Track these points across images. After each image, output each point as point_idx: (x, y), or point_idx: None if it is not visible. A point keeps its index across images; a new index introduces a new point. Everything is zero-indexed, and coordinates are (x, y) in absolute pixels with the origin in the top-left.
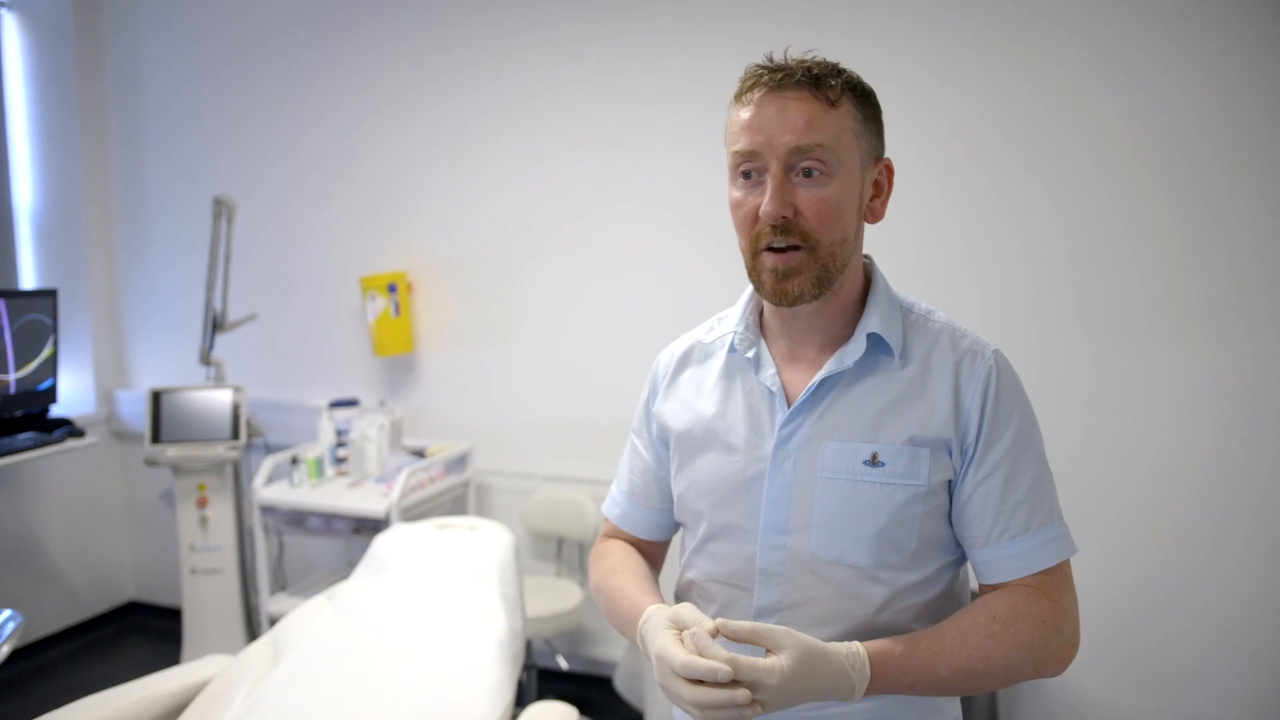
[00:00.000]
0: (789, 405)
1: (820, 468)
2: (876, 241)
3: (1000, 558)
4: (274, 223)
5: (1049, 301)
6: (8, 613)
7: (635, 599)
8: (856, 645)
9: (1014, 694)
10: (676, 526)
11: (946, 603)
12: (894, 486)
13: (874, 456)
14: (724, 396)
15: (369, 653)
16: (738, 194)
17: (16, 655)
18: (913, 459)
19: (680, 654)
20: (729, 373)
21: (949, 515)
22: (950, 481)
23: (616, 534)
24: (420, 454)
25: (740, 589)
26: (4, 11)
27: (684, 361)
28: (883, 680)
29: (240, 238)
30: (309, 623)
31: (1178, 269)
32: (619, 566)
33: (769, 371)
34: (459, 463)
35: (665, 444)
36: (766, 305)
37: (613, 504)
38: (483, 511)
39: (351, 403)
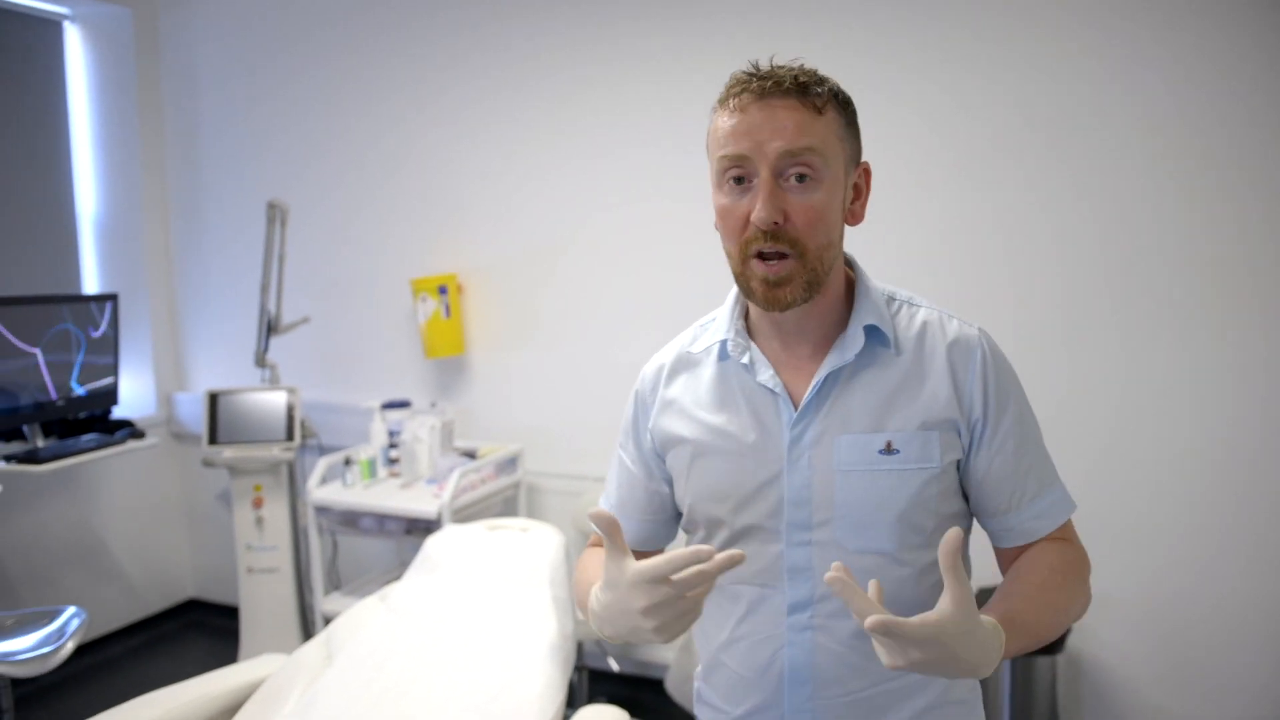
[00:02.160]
0: (794, 405)
1: (837, 461)
2: (906, 240)
3: (1022, 521)
4: (327, 226)
5: (1078, 299)
6: (72, 609)
7: (591, 581)
8: (988, 617)
9: (1075, 701)
10: (666, 538)
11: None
12: (910, 471)
13: (888, 445)
14: (724, 403)
15: (421, 653)
16: (725, 200)
17: (80, 651)
18: (924, 443)
19: (658, 559)
20: (724, 379)
21: (959, 491)
22: (958, 461)
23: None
24: (471, 455)
25: (768, 587)
26: (67, 24)
27: (673, 373)
28: (1008, 649)
29: (293, 241)
30: (362, 623)
31: (1202, 263)
32: (587, 564)
33: (768, 373)
34: (510, 464)
35: (661, 457)
36: (754, 310)
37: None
38: (533, 513)
39: (403, 404)
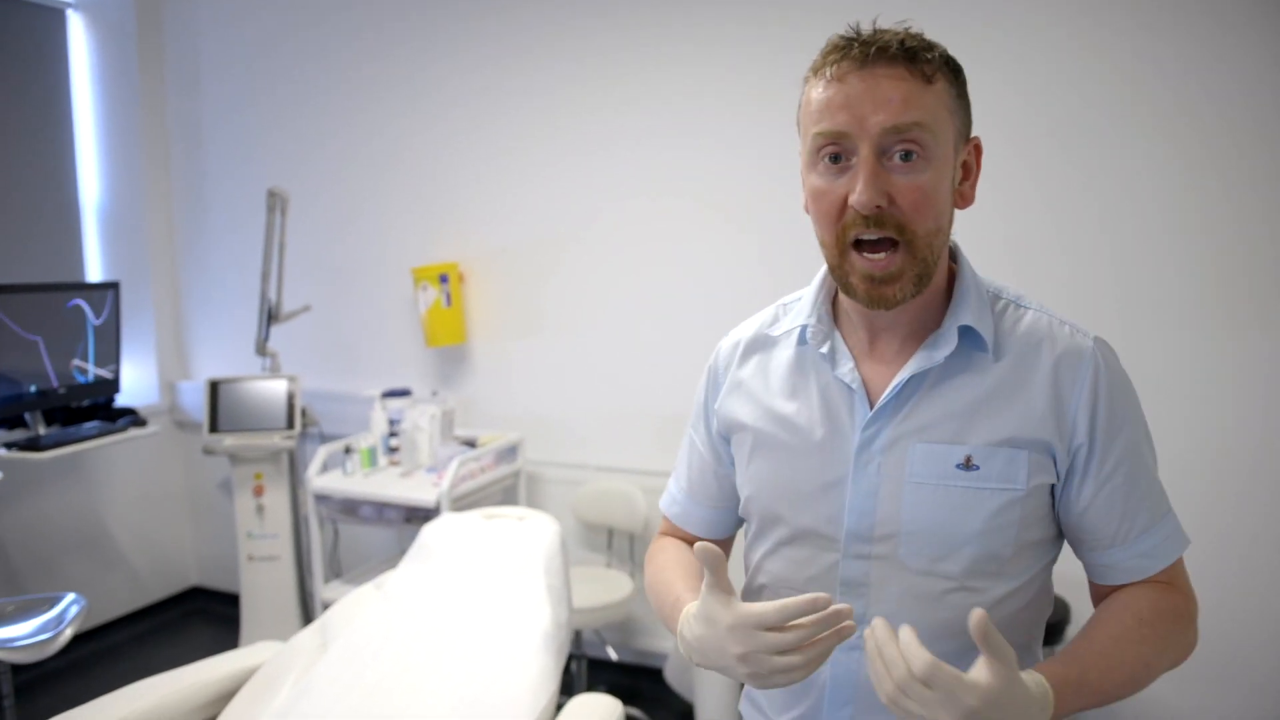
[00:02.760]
0: (870, 404)
1: (909, 472)
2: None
3: (1126, 558)
4: (329, 215)
5: (1082, 291)
6: (71, 596)
7: (679, 595)
8: (1039, 677)
9: None
10: (738, 525)
11: (1036, 612)
12: (989, 491)
13: (967, 459)
14: (796, 392)
15: (415, 641)
16: (820, 181)
17: (83, 638)
18: (1009, 461)
19: (768, 606)
20: (800, 366)
21: (1048, 518)
22: (1052, 486)
23: (674, 532)
24: (472, 444)
25: None
26: (70, 12)
27: (748, 352)
28: (1059, 710)
29: (295, 230)
30: (357, 610)
31: (1208, 260)
32: (670, 563)
33: (847, 366)
34: (510, 453)
35: (726, 440)
36: (844, 297)
37: (671, 501)
38: (533, 502)
39: (404, 393)
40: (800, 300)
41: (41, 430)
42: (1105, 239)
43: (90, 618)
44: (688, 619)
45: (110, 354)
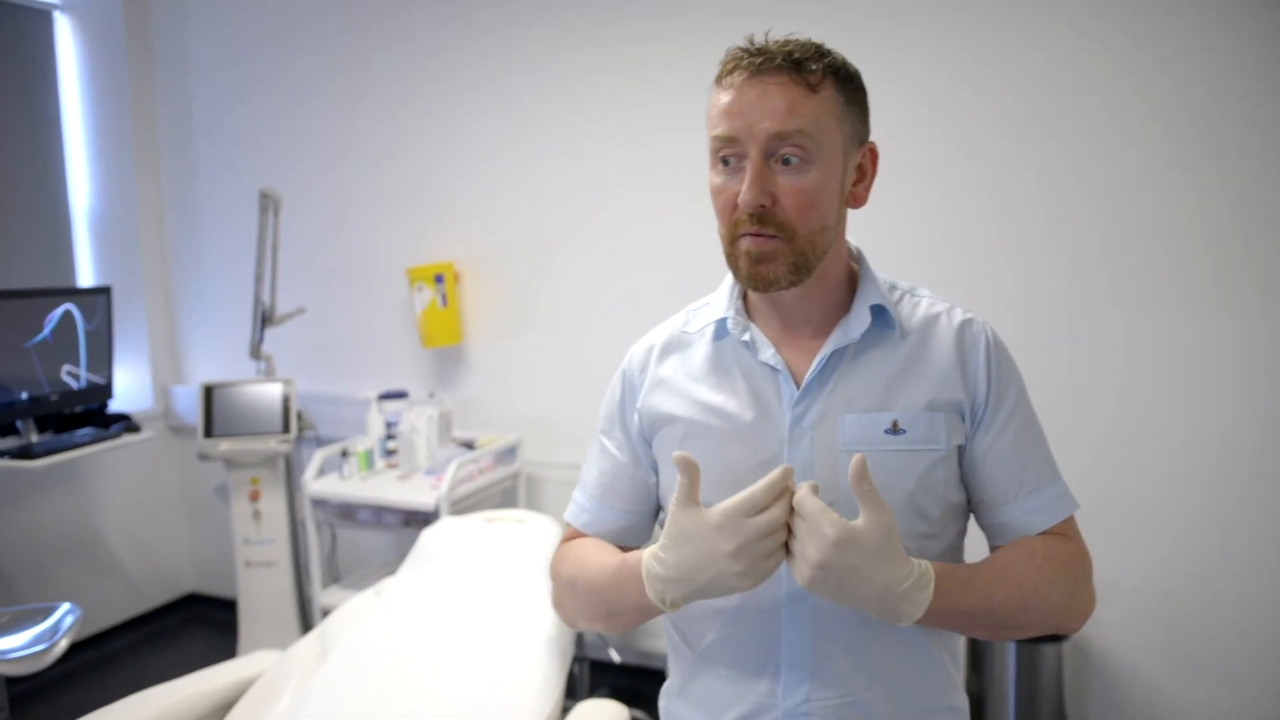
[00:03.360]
0: (796, 383)
1: (841, 441)
2: (902, 227)
3: (1019, 514)
4: (322, 216)
5: (1079, 286)
6: (66, 606)
7: (623, 558)
8: (924, 562)
9: (1082, 690)
10: (647, 533)
11: None
12: (916, 453)
13: (894, 424)
14: (721, 383)
15: (416, 648)
16: (717, 180)
17: (80, 646)
18: (931, 424)
19: (744, 493)
20: (719, 360)
21: (961, 481)
22: (961, 446)
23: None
24: (470, 445)
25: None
26: (57, 13)
27: (665, 353)
28: (944, 599)
29: (288, 232)
30: (356, 617)
31: (1204, 247)
32: (591, 548)
33: (769, 351)
34: (508, 454)
35: (648, 441)
36: (751, 292)
37: (579, 510)
38: (533, 503)
39: (400, 395)
40: (709, 304)
41: (34, 438)
42: (1100, 226)
43: (86, 626)
44: (654, 556)
45: (103, 360)
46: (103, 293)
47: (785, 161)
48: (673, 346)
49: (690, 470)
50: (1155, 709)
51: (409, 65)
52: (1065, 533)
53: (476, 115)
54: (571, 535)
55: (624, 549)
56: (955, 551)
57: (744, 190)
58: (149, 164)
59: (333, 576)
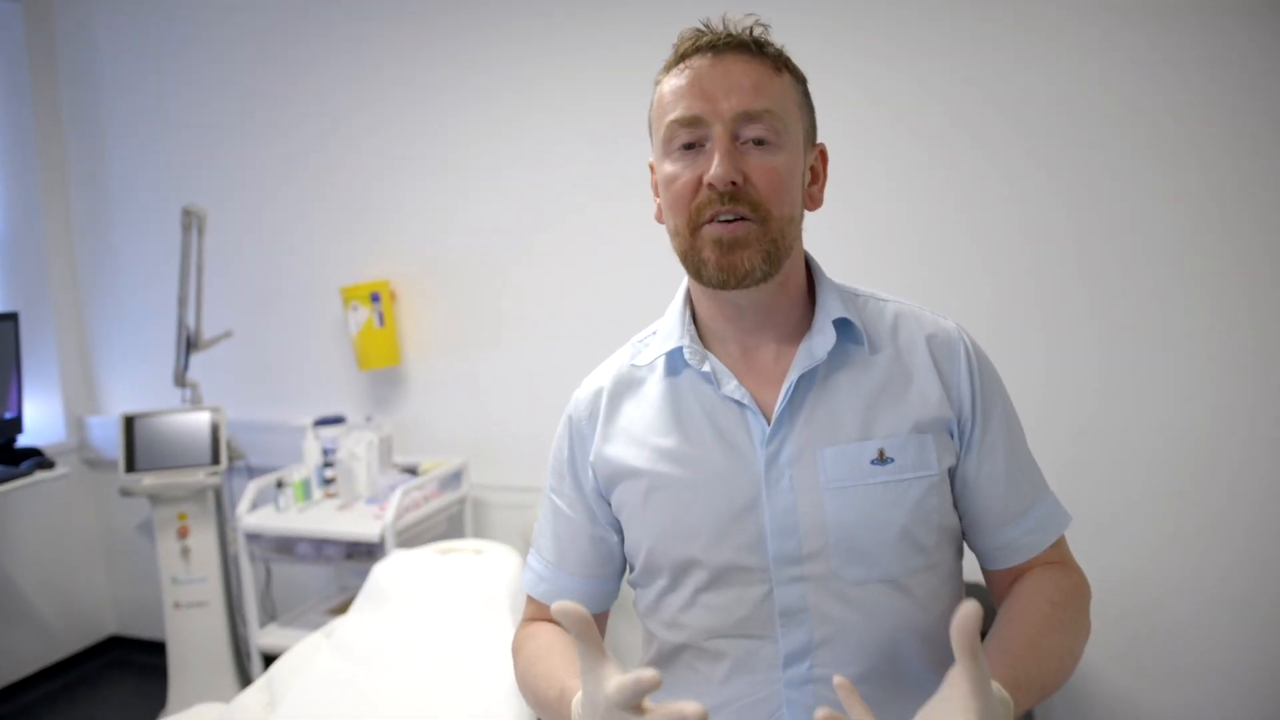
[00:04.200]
0: (766, 418)
1: (824, 479)
2: (873, 232)
3: (1015, 536)
4: (249, 234)
5: (1053, 290)
6: None
7: (564, 684)
8: (997, 684)
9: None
10: (612, 596)
11: (955, 600)
12: (907, 482)
13: (880, 453)
14: (680, 423)
15: (374, 695)
16: (672, 168)
17: None
18: (920, 448)
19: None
20: (675, 397)
21: (954, 503)
22: (952, 467)
23: (542, 615)
24: (412, 471)
25: (756, 638)
26: None
27: (615, 395)
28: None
29: (213, 251)
30: (306, 664)
31: (1180, 251)
32: (544, 650)
33: (732, 384)
34: (454, 479)
35: (605, 497)
36: (706, 308)
37: (536, 579)
38: (481, 529)
39: (337, 420)
40: (656, 334)
41: None
42: (1074, 230)
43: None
44: (577, 712)
45: (9, 393)
46: (9, 319)
47: (756, 143)
48: (623, 387)
49: (579, 625)
50: (1118, 711)
51: (341, 75)
52: (1063, 558)
53: (412, 126)
54: (532, 611)
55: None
56: (954, 577)
57: (715, 165)
58: (56, 183)
59: (269, 615)
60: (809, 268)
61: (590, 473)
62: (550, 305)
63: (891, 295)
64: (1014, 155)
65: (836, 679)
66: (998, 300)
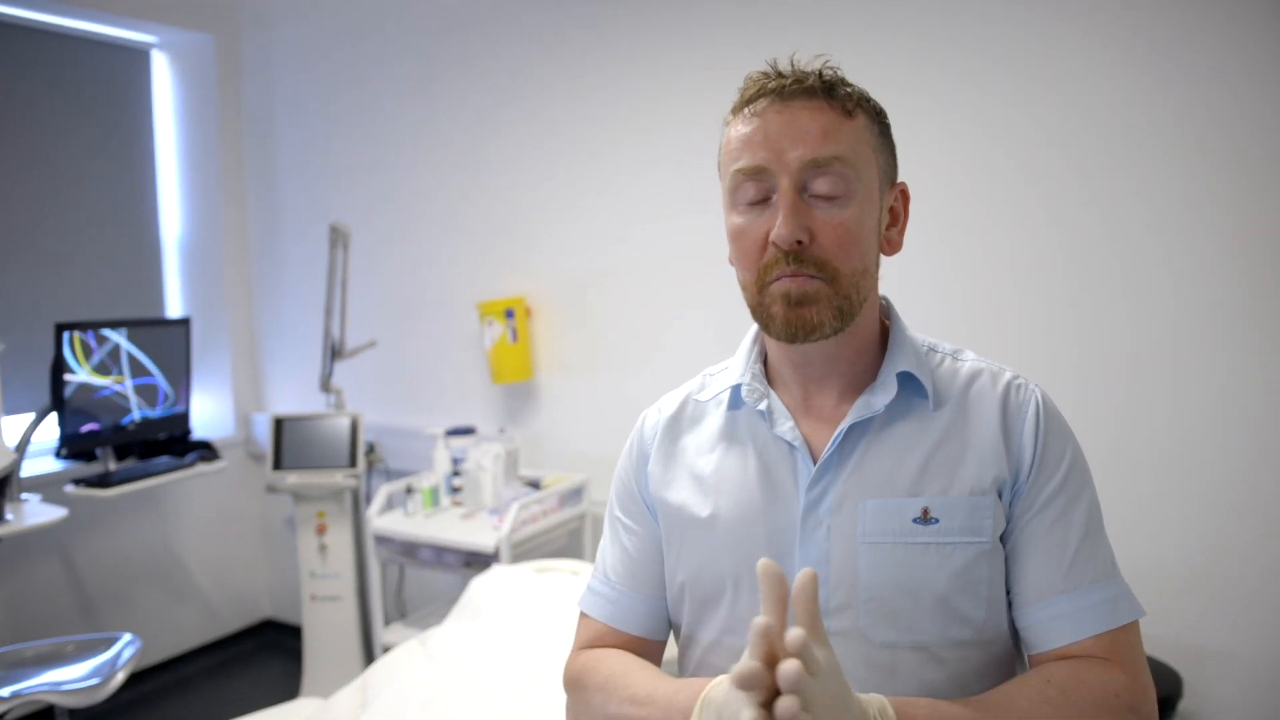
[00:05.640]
0: (814, 461)
1: (861, 531)
2: (945, 283)
3: (1053, 616)
4: (395, 249)
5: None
6: (127, 637)
7: (679, 685)
8: (882, 699)
9: None
10: (670, 624)
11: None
12: (952, 546)
13: (924, 512)
14: (730, 458)
15: (459, 705)
16: (740, 220)
17: (159, 669)
18: (973, 511)
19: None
20: (731, 432)
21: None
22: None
23: (603, 640)
24: (536, 485)
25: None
26: (154, 52)
27: (674, 423)
28: None
29: (362, 265)
30: (399, 669)
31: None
32: (633, 667)
33: (787, 424)
34: (574, 495)
35: (655, 517)
36: (774, 351)
37: (598, 600)
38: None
39: (468, 431)
40: (726, 369)
41: (112, 465)
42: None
43: (164, 650)
44: (716, 688)
45: (182, 390)
46: (182, 324)
47: (826, 194)
48: (684, 415)
49: (780, 587)
50: None
51: (483, 105)
52: (1113, 655)
53: (547, 146)
54: (590, 637)
55: (650, 645)
56: (1009, 660)
57: (779, 225)
58: (236, 197)
59: (399, 612)
60: (886, 315)
61: (647, 493)
62: (678, 326)
63: (975, 354)
64: (1111, 193)
65: (805, 569)
66: (1086, 367)
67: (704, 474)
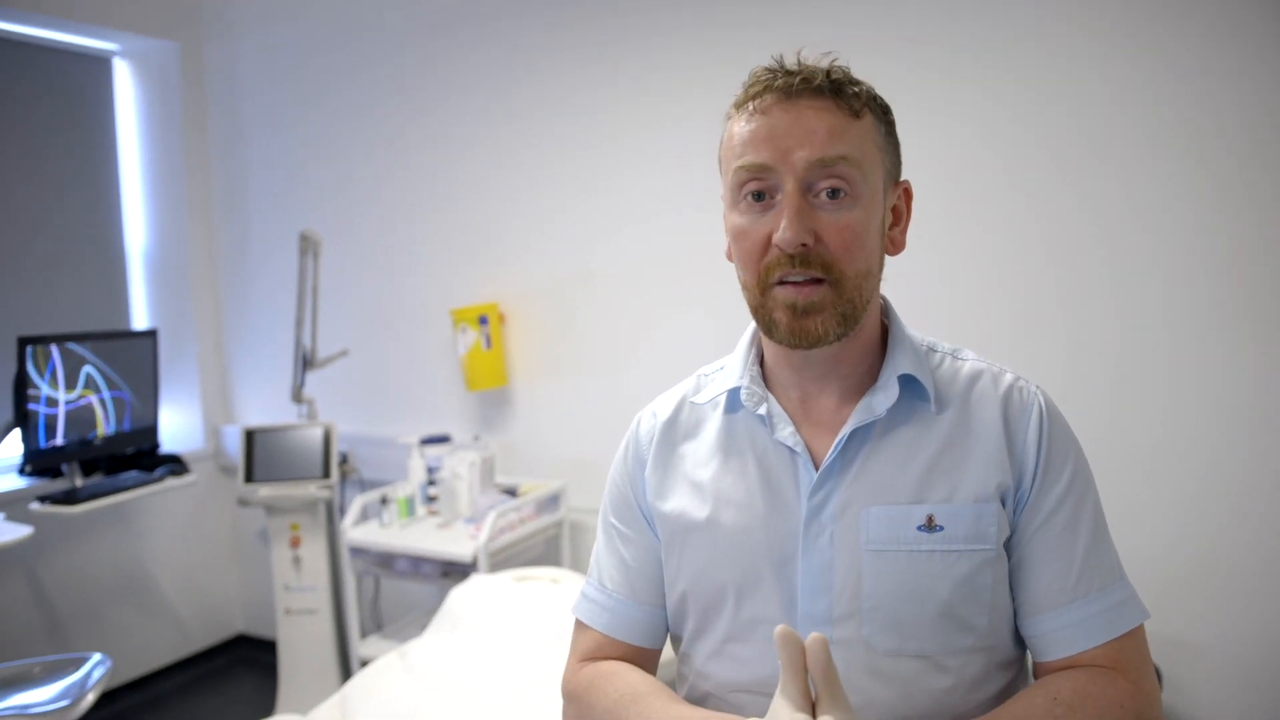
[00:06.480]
0: (817, 466)
1: (864, 539)
2: (939, 278)
3: (1060, 626)
4: (365, 257)
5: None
6: (96, 657)
7: (699, 718)
8: None
9: None
10: (666, 630)
11: (1013, 691)
12: (957, 554)
13: (929, 519)
14: (729, 464)
15: (442, 718)
16: (742, 220)
17: (129, 689)
18: (977, 518)
19: None
20: (729, 437)
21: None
22: (1008, 540)
23: (602, 651)
24: (512, 492)
25: None
26: (116, 59)
27: (673, 428)
28: None
29: (332, 273)
30: (379, 683)
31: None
32: (637, 692)
33: (787, 429)
34: (551, 502)
35: (651, 524)
36: (772, 353)
37: (595, 609)
38: (577, 554)
39: (443, 439)
40: (723, 369)
41: (78, 482)
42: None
43: (135, 669)
44: None
45: (149, 403)
46: (149, 336)
47: (831, 195)
48: (680, 418)
49: (795, 649)
50: None
51: (453, 113)
52: (1118, 663)
53: (519, 151)
54: (589, 647)
55: (648, 654)
56: (1013, 665)
57: (783, 227)
58: (202, 206)
59: (376, 625)
60: (885, 315)
61: (644, 498)
62: (657, 331)
63: (974, 354)
64: (1039, 180)
65: (813, 635)
66: (1078, 365)
67: (703, 482)
